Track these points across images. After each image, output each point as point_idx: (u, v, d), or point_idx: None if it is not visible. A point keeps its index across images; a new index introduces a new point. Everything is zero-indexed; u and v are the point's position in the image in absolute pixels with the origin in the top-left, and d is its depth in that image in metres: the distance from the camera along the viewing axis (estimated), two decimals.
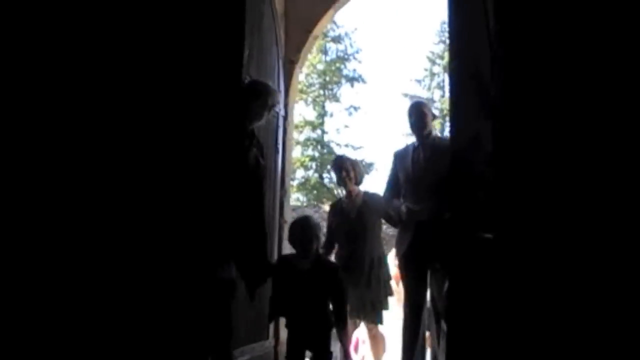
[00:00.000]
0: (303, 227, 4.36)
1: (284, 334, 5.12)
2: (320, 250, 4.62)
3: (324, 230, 5.26)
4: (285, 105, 5.37)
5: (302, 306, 4.23)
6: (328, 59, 27.76)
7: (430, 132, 4.96)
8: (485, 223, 3.15)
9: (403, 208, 4.85)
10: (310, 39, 5.93)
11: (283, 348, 5.06)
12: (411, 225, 4.79)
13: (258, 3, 4.73)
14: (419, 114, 4.90)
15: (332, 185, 27.64)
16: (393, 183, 5.08)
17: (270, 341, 4.89)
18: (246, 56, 4.38)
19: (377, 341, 5.43)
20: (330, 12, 6.06)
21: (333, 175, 6.06)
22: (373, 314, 5.13)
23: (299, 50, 5.79)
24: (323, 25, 6.20)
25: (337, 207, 5.44)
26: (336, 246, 5.33)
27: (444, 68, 26.45)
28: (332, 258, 5.30)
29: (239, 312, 4.23)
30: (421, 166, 4.83)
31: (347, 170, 5.22)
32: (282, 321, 5.11)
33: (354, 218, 5.23)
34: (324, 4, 5.96)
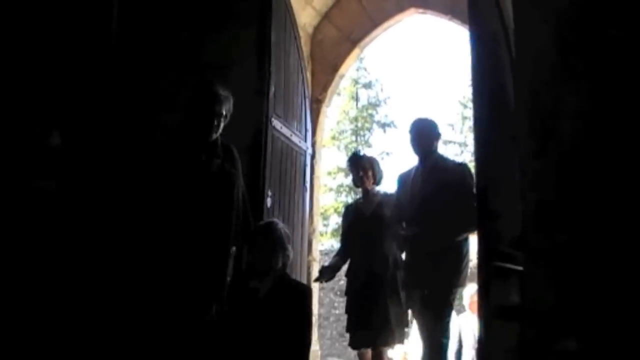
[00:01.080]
0: (264, 235, 3.67)
1: None
2: (319, 262, 4.42)
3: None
4: (313, 144, 5.38)
5: (255, 341, 3.43)
6: (360, 105, 27.98)
7: (431, 152, 4.61)
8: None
9: (401, 232, 4.55)
10: (337, 78, 5.99)
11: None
12: (409, 251, 4.59)
13: (284, 43, 4.80)
14: (416, 132, 4.61)
15: None
16: (397, 208, 4.71)
17: None
18: (272, 94, 4.43)
19: None
20: (356, 50, 6.12)
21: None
22: (394, 332, 4.63)
23: (325, 89, 5.85)
24: (348, 64, 6.26)
25: (351, 208, 5.11)
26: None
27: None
28: (345, 268, 4.92)
29: None
30: (418, 187, 4.51)
31: (365, 168, 4.85)
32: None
33: (368, 217, 4.83)
34: (349, 43, 6.02)
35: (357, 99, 27.95)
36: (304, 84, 5.20)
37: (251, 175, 4.34)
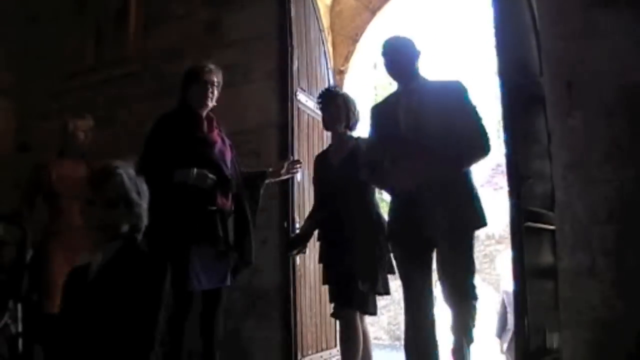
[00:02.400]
0: (98, 183, 2.63)
1: None
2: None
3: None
4: None
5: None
6: (381, 73, 27.84)
7: (415, 74, 3.68)
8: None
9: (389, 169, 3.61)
10: (358, 48, 5.98)
11: None
12: (407, 196, 3.53)
13: (304, 17, 4.82)
14: (394, 52, 3.69)
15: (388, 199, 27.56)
16: (374, 144, 3.78)
17: (338, 350, 4.89)
18: (295, 68, 4.46)
19: (353, 341, 3.85)
20: (375, 19, 6.11)
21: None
22: (361, 299, 3.80)
23: (347, 59, 5.86)
24: (369, 33, 6.24)
25: (319, 159, 4.24)
26: None
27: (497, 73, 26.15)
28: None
29: (304, 320, 4.27)
30: (410, 115, 3.56)
31: (338, 106, 4.02)
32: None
33: (337, 167, 4.00)
34: (368, 13, 6.02)
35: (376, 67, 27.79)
36: (325, 56, 5.22)
37: (280, 150, 4.40)
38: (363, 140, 4.04)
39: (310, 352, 4.33)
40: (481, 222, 3.55)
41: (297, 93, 4.51)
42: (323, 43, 5.21)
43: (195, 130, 3.73)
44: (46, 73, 6.00)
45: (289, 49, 4.51)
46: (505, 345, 5.89)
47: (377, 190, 4.17)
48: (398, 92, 3.73)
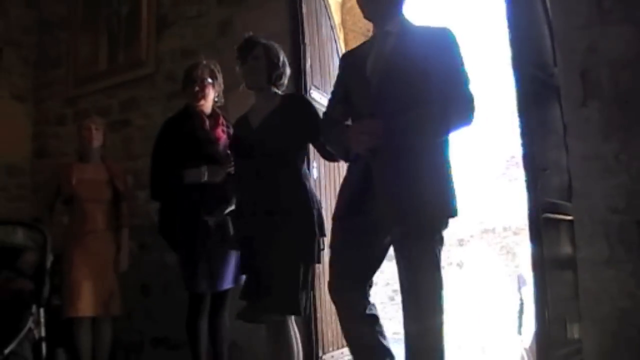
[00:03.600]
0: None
1: None
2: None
3: None
4: None
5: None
6: None
7: (396, 14, 2.90)
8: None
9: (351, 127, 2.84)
10: None
11: None
12: (361, 166, 2.78)
13: (315, 14, 4.82)
14: None
15: None
16: (336, 99, 3.07)
17: None
18: (308, 66, 4.47)
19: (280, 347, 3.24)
20: None
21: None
22: (270, 299, 3.08)
23: None
24: None
25: (240, 120, 3.55)
26: None
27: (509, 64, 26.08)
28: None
29: (324, 317, 4.28)
30: (384, 61, 2.81)
31: (256, 57, 3.36)
32: None
33: (256, 129, 3.33)
34: None
35: None
36: (338, 53, 5.20)
37: None
38: (294, 97, 3.56)
39: (331, 349, 4.33)
40: (452, 212, 2.78)
41: (311, 91, 4.51)
42: (335, 40, 5.20)
43: (197, 128, 3.77)
44: (60, 79, 6.05)
45: (301, 47, 4.50)
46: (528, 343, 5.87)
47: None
48: (372, 37, 3.01)
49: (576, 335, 3.13)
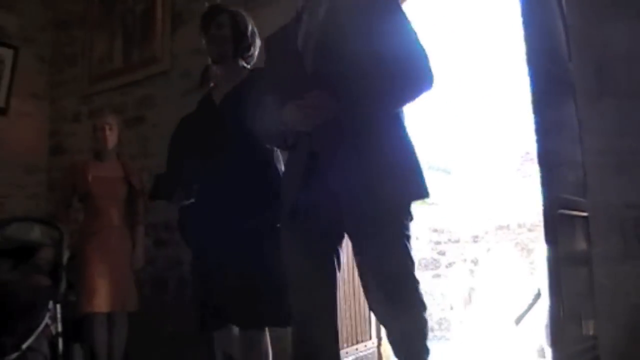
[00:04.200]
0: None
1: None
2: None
3: None
4: None
5: None
6: None
7: None
8: None
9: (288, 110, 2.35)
10: None
11: (387, 347, 5.10)
12: (304, 154, 2.41)
13: None
14: None
15: None
16: (272, 83, 2.64)
17: (374, 341, 4.90)
18: None
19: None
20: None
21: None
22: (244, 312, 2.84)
23: None
24: None
25: (204, 97, 3.26)
26: None
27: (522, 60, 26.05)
28: None
29: (339, 314, 4.28)
30: (319, 30, 2.44)
31: (220, 25, 3.06)
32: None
33: (219, 106, 3.02)
34: None
35: None
36: None
37: None
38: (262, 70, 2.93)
39: (346, 345, 4.34)
40: (420, 192, 2.41)
41: None
42: None
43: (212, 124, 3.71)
44: (76, 76, 6.09)
45: None
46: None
47: None
48: (301, 8, 2.62)
49: (591, 332, 3.12)
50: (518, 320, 6.03)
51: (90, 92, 5.92)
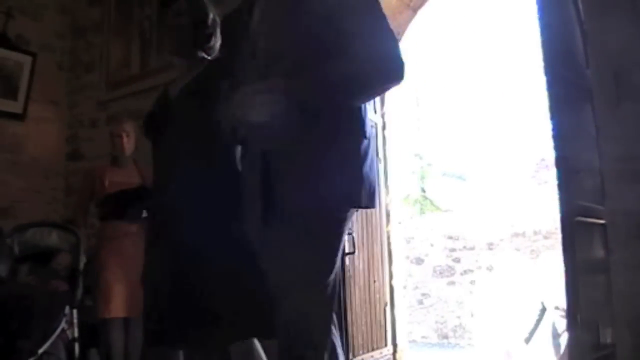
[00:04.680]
0: None
1: (402, 340, 5.15)
2: None
3: None
4: (383, 115, 5.40)
5: None
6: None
7: None
8: None
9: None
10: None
11: (402, 355, 5.09)
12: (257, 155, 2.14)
13: None
14: None
15: (433, 197, 27.61)
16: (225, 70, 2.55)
17: (389, 348, 4.90)
18: None
19: None
20: (417, 17, 6.07)
21: None
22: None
23: None
24: (410, 32, 6.22)
25: (162, 91, 2.92)
26: None
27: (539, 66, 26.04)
28: None
29: (355, 321, 4.29)
30: (273, 14, 2.18)
31: (178, 12, 2.75)
32: (401, 328, 5.14)
33: (173, 103, 2.71)
34: (409, 11, 5.99)
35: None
36: None
37: None
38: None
39: (361, 352, 4.34)
40: (354, 202, 2.11)
41: None
42: None
43: None
44: (94, 83, 6.13)
45: None
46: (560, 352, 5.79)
47: None
48: None
49: (609, 340, 3.10)
50: (528, 340, 5.99)
51: (107, 98, 5.96)
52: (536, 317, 5.88)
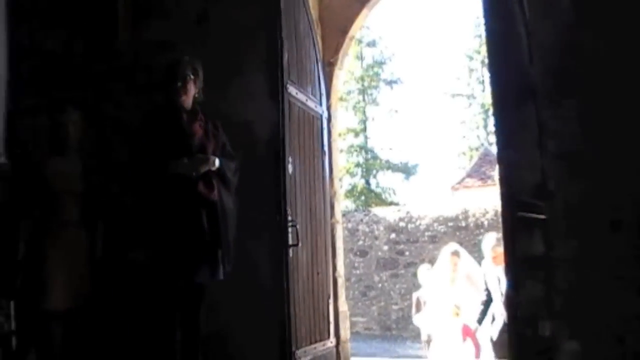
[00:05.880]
0: None
1: (345, 332, 5.18)
2: None
3: None
4: (328, 107, 5.42)
5: None
6: (365, 64, 27.92)
7: None
8: None
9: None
10: (347, 40, 5.98)
11: (345, 347, 5.12)
12: None
13: (293, 9, 4.80)
14: None
15: (379, 190, 27.83)
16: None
17: (332, 340, 4.91)
18: (286, 60, 4.46)
19: None
20: (364, 11, 6.09)
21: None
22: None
23: (336, 52, 5.85)
24: (358, 25, 6.24)
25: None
26: None
27: (482, 63, 26.44)
28: None
29: (298, 313, 4.28)
30: None
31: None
32: (343, 320, 5.17)
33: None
34: (358, 4, 6.02)
35: (362, 58, 27.87)
36: (315, 48, 5.21)
37: (272, 143, 4.39)
38: None
39: (304, 344, 4.35)
40: None
41: (288, 86, 4.50)
42: (312, 35, 5.21)
43: (174, 123, 3.81)
44: (35, 70, 5.97)
45: (279, 41, 4.49)
46: (495, 336, 5.88)
47: None
48: None
49: (548, 333, 3.15)
50: (480, 321, 6.08)
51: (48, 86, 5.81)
52: (481, 307, 5.98)
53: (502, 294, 5.75)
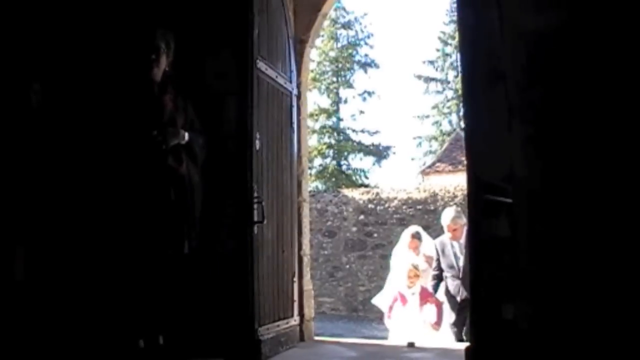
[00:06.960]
0: None
1: (309, 311, 5.16)
2: None
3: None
4: (298, 85, 5.35)
5: None
6: (339, 45, 27.86)
7: None
8: None
9: None
10: (319, 17, 5.89)
11: (309, 325, 5.10)
12: None
13: None
14: None
15: (350, 172, 27.91)
16: None
17: (296, 319, 4.89)
18: (256, 36, 4.40)
19: None
20: None
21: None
22: None
23: (308, 29, 5.76)
24: (331, 3, 6.17)
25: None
26: None
27: (456, 48, 26.56)
28: None
29: (262, 290, 4.25)
30: None
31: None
32: (308, 299, 5.14)
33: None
34: None
35: (336, 40, 27.80)
36: (287, 24, 5.14)
37: (239, 119, 4.34)
38: None
39: (267, 322, 4.32)
40: None
41: (257, 61, 4.44)
42: (285, 11, 5.14)
43: (145, 95, 3.78)
44: None
45: (250, 16, 4.42)
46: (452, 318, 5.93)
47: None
48: None
49: (511, 316, 3.16)
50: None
51: None
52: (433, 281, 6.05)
53: (458, 269, 5.81)
